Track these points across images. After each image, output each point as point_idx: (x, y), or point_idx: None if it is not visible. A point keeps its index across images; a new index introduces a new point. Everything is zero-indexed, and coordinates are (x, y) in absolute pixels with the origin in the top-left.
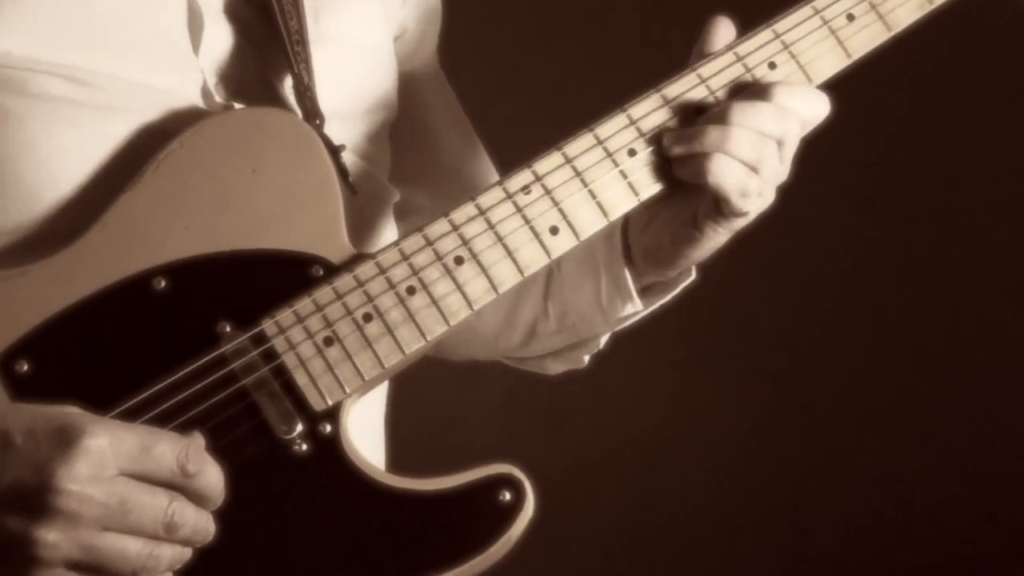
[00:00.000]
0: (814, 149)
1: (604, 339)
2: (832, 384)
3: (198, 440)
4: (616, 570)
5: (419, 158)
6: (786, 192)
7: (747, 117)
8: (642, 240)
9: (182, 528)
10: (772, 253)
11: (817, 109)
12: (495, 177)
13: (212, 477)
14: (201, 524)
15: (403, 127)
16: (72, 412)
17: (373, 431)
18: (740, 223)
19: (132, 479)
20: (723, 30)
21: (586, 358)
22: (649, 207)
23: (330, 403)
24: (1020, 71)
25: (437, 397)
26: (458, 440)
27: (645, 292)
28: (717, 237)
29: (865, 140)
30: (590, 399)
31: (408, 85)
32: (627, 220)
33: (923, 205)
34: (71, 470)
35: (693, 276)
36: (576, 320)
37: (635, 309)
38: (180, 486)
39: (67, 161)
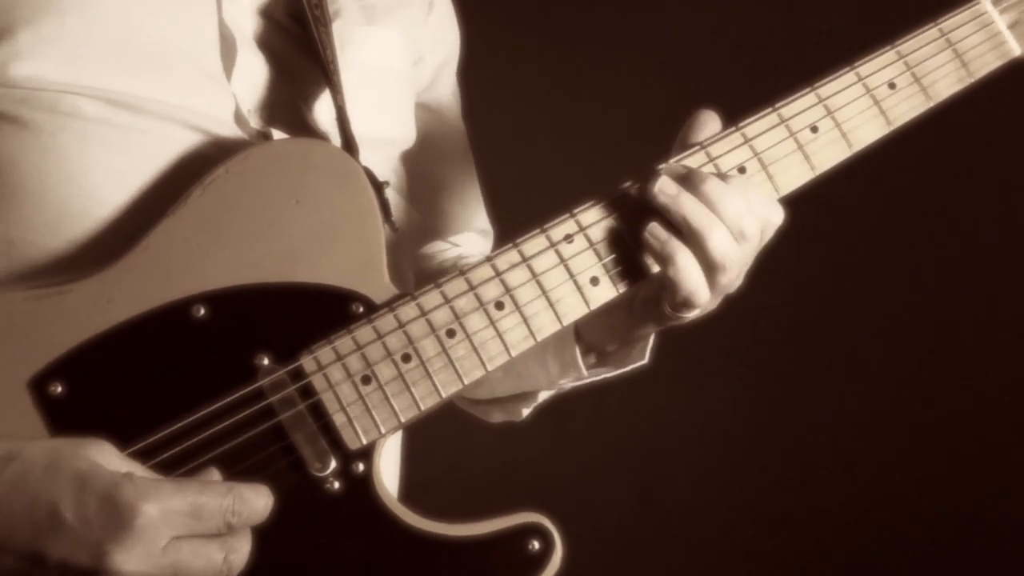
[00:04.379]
0: None
1: (543, 396)
2: (830, 384)
3: (243, 489)
4: (614, 569)
5: (417, 180)
6: (791, 196)
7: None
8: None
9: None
10: (771, 254)
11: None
12: (480, 211)
13: (257, 507)
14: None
15: (412, 151)
16: (122, 482)
17: (390, 446)
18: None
19: (183, 539)
20: (709, 123)
21: (525, 412)
22: None
23: (365, 442)
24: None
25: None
26: (459, 441)
27: (591, 355)
28: (651, 328)
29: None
30: (591, 399)
31: (425, 115)
32: None
33: (918, 204)
34: (127, 553)
35: (645, 360)
36: (521, 371)
37: (578, 375)
38: (227, 535)
39: (99, 179)
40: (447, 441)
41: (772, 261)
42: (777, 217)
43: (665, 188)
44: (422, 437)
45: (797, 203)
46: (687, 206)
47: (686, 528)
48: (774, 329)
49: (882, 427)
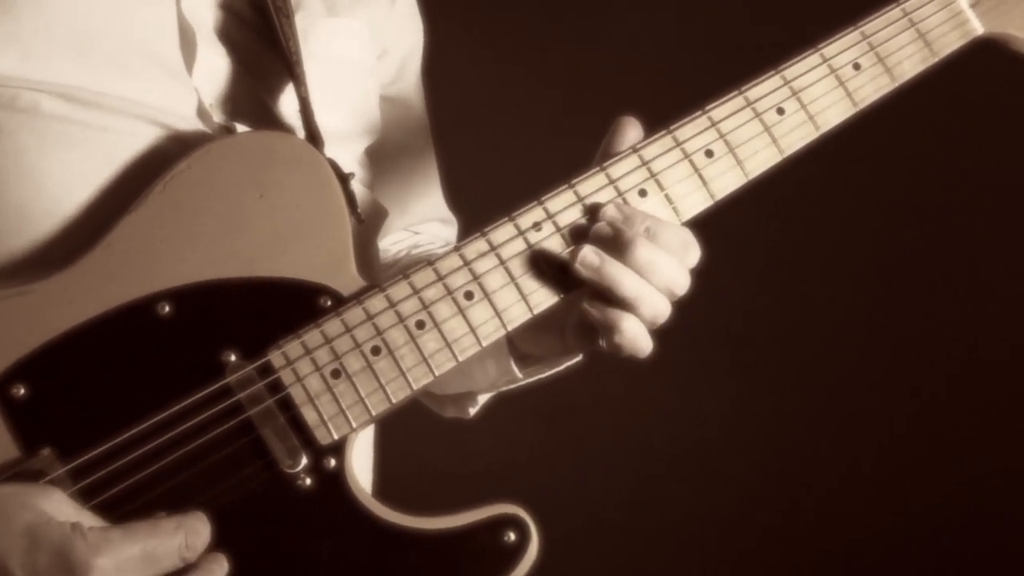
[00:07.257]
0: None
1: (483, 399)
2: (825, 383)
3: (191, 522)
4: (606, 567)
5: (379, 172)
6: (778, 193)
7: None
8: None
9: None
10: (769, 255)
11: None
12: (440, 201)
13: (204, 537)
14: None
15: (376, 144)
16: (73, 537)
17: (364, 441)
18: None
19: None
20: (630, 130)
21: (472, 411)
22: None
23: (336, 437)
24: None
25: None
26: (458, 443)
27: (525, 361)
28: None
29: (856, 138)
30: (582, 395)
31: (390, 107)
32: None
33: (914, 203)
34: None
35: (579, 358)
36: (465, 371)
37: (513, 379)
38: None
39: (59, 177)
40: (430, 437)
41: (766, 260)
42: (695, 257)
43: (586, 261)
44: (402, 433)
45: (793, 203)
46: (612, 276)
47: (676, 524)
48: (769, 328)
49: (878, 426)
